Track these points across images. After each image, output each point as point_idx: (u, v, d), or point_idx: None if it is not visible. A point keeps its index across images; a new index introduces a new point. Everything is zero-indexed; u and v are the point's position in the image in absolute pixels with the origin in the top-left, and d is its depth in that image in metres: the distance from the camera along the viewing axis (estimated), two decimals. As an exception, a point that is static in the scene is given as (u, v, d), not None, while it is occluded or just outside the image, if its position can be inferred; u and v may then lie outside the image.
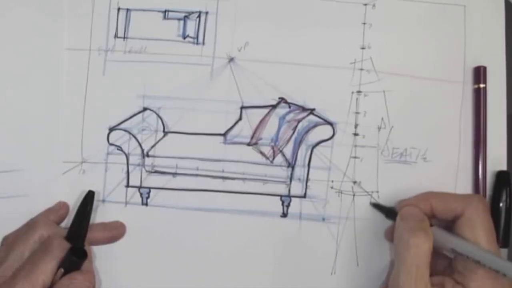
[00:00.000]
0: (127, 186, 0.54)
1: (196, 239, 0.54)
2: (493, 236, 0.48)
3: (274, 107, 0.54)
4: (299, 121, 0.54)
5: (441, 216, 0.50)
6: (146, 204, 0.54)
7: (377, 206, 0.54)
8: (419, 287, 0.46)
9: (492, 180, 0.55)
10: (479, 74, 0.55)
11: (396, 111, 0.55)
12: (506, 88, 0.56)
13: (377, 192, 0.54)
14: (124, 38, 0.54)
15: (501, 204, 0.54)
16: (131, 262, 0.53)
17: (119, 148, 0.54)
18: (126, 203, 0.54)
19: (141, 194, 0.54)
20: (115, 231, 0.53)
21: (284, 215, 0.54)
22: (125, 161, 0.54)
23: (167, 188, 0.54)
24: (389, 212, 0.52)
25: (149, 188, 0.54)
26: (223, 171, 0.54)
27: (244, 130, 0.54)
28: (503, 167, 0.55)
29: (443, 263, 0.51)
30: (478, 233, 0.47)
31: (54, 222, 0.51)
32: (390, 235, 0.52)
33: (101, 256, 0.53)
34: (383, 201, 0.54)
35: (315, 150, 0.54)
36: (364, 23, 0.55)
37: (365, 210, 0.54)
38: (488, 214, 0.48)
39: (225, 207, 0.54)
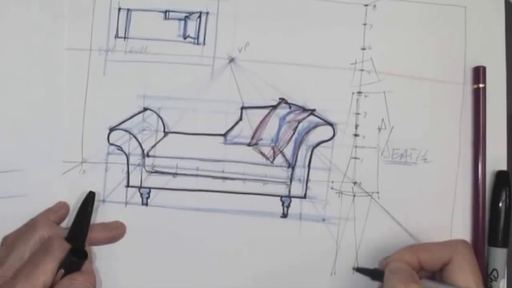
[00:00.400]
0: (127, 186, 0.54)
1: (196, 239, 0.54)
2: (480, 279, 0.49)
3: (274, 107, 0.54)
4: (299, 122, 0.55)
5: (428, 267, 0.50)
6: (146, 204, 0.54)
7: (360, 270, 0.53)
8: None
9: (492, 180, 0.55)
10: (479, 74, 0.55)
11: (397, 111, 0.55)
12: (506, 88, 0.56)
13: (377, 193, 0.54)
14: (124, 38, 0.54)
15: (500, 204, 0.54)
16: (131, 262, 0.53)
17: (119, 148, 0.54)
18: (126, 203, 0.54)
19: (141, 194, 0.54)
20: (115, 231, 0.53)
21: (284, 215, 0.54)
22: (125, 161, 0.54)
23: (167, 188, 0.54)
24: (374, 273, 0.52)
25: (149, 188, 0.54)
26: (223, 172, 0.54)
27: (245, 130, 0.54)
28: (503, 167, 0.55)
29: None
30: (468, 277, 0.48)
31: (54, 223, 0.51)
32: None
33: (101, 256, 0.53)
34: (383, 202, 0.54)
35: (315, 150, 0.54)
36: (365, 24, 0.55)
37: (365, 210, 0.54)
38: (474, 257, 0.49)
39: (225, 207, 0.54)
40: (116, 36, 0.54)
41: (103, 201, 0.54)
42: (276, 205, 0.54)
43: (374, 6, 0.55)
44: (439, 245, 0.51)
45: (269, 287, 0.54)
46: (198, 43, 0.55)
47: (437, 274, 0.50)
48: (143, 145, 0.54)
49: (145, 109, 0.54)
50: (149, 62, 0.54)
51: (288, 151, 0.55)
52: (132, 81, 0.54)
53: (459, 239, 0.52)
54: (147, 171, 0.54)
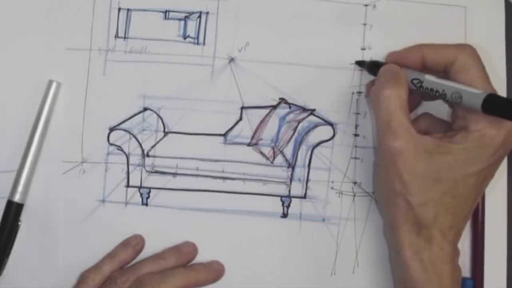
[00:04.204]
0: (127, 186, 0.54)
1: (196, 239, 0.54)
2: (488, 78, 0.48)
3: (274, 107, 0.54)
4: (299, 122, 0.54)
5: (432, 66, 0.49)
6: (146, 204, 0.54)
7: (360, 63, 0.54)
8: (399, 134, 0.46)
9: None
10: (479, 74, 0.55)
11: (397, 111, 0.55)
12: (506, 88, 0.56)
13: (378, 192, 0.54)
14: (124, 38, 0.54)
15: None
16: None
17: (119, 148, 0.54)
18: (126, 203, 0.54)
19: (141, 194, 0.54)
20: (217, 273, 0.53)
21: (284, 215, 0.54)
22: (125, 161, 0.54)
23: (167, 188, 0.54)
24: (371, 66, 0.52)
25: (149, 188, 0.54)
26: (223, 172, 0.54)
27: (245, 130, 0.54)
28: (503, 171, 0.55)
29: (440, 129, 0.51)
30: (473, 74, 0.47)
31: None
32: (369, 90, 0.52)
33: (101, 256, 0.53)
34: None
35: (315, 150, 0.54)
36: (365, 24, 0.55)
37: (365, 210, 0.54)
38: (480, 60, 0.48)
39: (225, 207, 0.54)
40: (116, 36, 0.54)
41: (103, 201, 0.54)
42: (276, 205, 0.54)
43: (374, 6, 0.55)
44: (445, 45, 0.50)
45: (269, 287, 0.54)
46: (198, 43, 0.55)
47: (442, 76, 0.49)
48: (143, 145, 0.54)
49: (145, 109, 0.54)
50: (149, 62, 0.54)
51: (288, 151, 0.55)
52: (132, 81, 0.54)
53: (468, 44, 0.50)
54: (147, 171, 0.54)
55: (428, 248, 0.46)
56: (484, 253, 0.54)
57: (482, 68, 0.48)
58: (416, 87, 0.48)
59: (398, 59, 0.51)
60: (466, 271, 0.54)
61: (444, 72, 0.49)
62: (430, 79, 0.48)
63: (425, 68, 0.50)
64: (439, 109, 0.53)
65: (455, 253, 0.48)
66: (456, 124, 0.48)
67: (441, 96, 0.47)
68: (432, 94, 0.48)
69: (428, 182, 0.46)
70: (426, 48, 0.50)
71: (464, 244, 0.54)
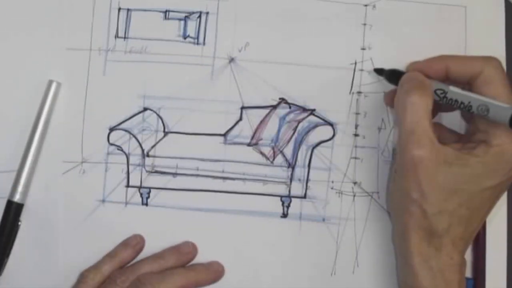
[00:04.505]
0: (127, 186, 0.54)
1: (196, 239, 0.54)
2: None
3: (274, 107, 0.54)
4: (299, 122, 0.54)
5: (456, 78, 0.49)
6: (146, 204, 0.54)
7: (379, 71, 0.53)
8: (422, 143, 0.46)
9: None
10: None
11: (397, 111, 0.55)
12: (506, 89, 0.56)
13: (377, 192, 0.54)
14: (124, 38, 0.54)
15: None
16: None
17: (119, 148, 0.54)
18: (126, 203, 0.54)
19: (141, 194, 0.54)
20: (217, 274, 0.53)
21: (284, 215, 0.54)
22: (125, 161, 0.54)
23: (167, 188, 0.54)
24: (391, 74, 0.51)
25: (149, 188, 0.54)
26: (223, 172, 0.54)
27: (245, 130, 0.54)
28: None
29: (450, 139, 0.51)
30: (498, 88, 0.47)
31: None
32: (389, 99, 0.52)
33: (101, 256, 0.53)
34: (384, 202, 0.54)
35: (315, 150, 0.54)
36: (365, 24, 0.55)
37: (365, 210, 0.54)
38: (505, 73, 0.48)
39: (225, 207, 0.54)
40: (116, 36, 0.54)
41: (103, 201, 0.54)
42: (276, 205, 0.54)
43: (374, 6, 0.55)
44: (471, 56, 0.50)
45: (269, 287, 0.54)
46: (198, 43, 0.55)
47: (465, 87, 0.49)
48: (143, 145, 0.54)
49: (145, 109, 0.54)
50: (149, 62, 0.54)
51: (288, 151, 0.54)
52: (132, 81, 0.54)
53: (492, 56, 0.50)
54: (147, 171, 0.54)
55: (438, 257, 0.46)
56: (485, 254, 0.54)
57: (508, 82, 0.48)
58: (440, 97, 0.48)
59: (421, 69, 0.50)
60: (466, 271, 0.54)
61: (467, 84, 0.49)
62: (455, 91, 0.48)
63: (447, 80, 0.49)
64: (448, 120, 0.53)
65: (463, 263, 0.48)
66: (476, 136, 0.48)
67: (466, 108, 0.47)
68: (456, 106, 0.47)
69: (445, 192, 0.46)
70: (450, 59, 0.50)
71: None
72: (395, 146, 0.54)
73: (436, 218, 0.46)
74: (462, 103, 0.47)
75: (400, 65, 0.54)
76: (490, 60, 0.48)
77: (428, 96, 0.47)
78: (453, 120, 0.54)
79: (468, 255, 0.54)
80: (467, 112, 0.47)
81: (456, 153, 0.47)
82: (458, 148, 0.48)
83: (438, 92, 0.48)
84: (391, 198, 0.52)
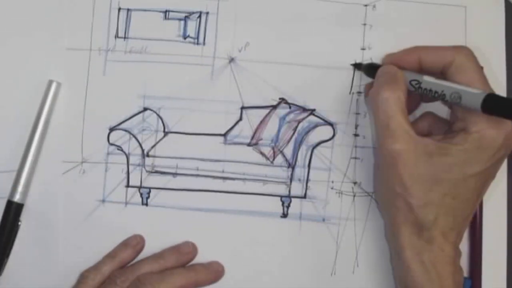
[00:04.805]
0: (127, 186, 0.54)
1: (196, 239, 0.54)
2: (486, 79, 0.48)
3: (274, 107, 0.54)
4: (299, 122, 0.54)
5: (429, 67, 0.49)
6: (146, 204, 0.54)
7: (357, 65, 0.54)
8: (398, 136, 0.46)
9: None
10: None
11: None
12: (506, 88, 0.56)
13: (377, 192, 0.54)
14: (124, 38, 0.54)
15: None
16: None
17: (119, 148, 0.54)
18: (126, 203, 0.54)
19: (141, 194, 0.54)
20: (217, 274, 0.53)
21: (284, 215, 0.54)
22: (125, 161, 0.54)
23: (167, 188, 0.54)
24: (369, 68, 0.52)
25: (149, 188, 0.54)
26: (223, 172, 0.54)
27: (245, 130, 0.54)
28: (503, 172, 0.55)
29: (442, 128, 0.51)
30: (470, 75, 0.47)
31: None
32: (368, 91, 0.52)
33: (101, 256, 0.53)
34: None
35: (315, 150, 0.54)
36: (365, 24, 0.55)
37: (365, 210, 0.54)
38: (477, 61, 0.48)
39: (225, 207, 0.54)
40: (116, 36, 0.54)
41: (103, 201, 0.54)
42: (276, 205, 0.54)
43: (374, 6, 0.55)
44: (442, 47, 0.50)
45: (269, 287, 0.54)
46: (198, 43, 0.55)
47: (440, 77, 0.49)
48: (143, 145, 0.54)
49: (145, 109, 0.54)
50: (149, 62, 0.54)
51: (288, 151, 0.55)
52: (132, 81, 0.54)
53: (464, 46, 0.50)
54: (147, 171, 0.54)
55: (429, 250, 0.46)
56: (482, 253, 0.54)
57: (480, 69, 0.48)
58: (415, 88, 0.48)
59: (395, 61, 0.50)
60: (464, 271, 0.53)
61: (441, 74, 0.49)
62: (428, 80, 0.48)
63: (422, 70, 0.50)
64: (439, 108, 0.53)
65: (457, 254, 0.48)
66: (455, 125, 0.48)
67: (440, 96, 0.47)
68: (431, 95, 0.48)
69: (428, 183, 0.46)
70: (422, 50, 0.50)
71: (462, 243, 0.53)
72: (374, 143, 0.54)
73: (422, 210, 0.46)
74: (436, 92, 0.47)
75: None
76: (461, 49, 0.49)
77: (400, 90, 0.47)
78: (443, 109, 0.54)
79: (465, 255, 0.54)
80: (443, 101, 0.48)
81: (435, 143, 0.47)
82: (438, 139, 0.48)
83: (413, 82, 0.48)
84: (378, 195, 0.52)
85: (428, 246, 0.46)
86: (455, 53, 0.48)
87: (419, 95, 0.51)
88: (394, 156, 0.46)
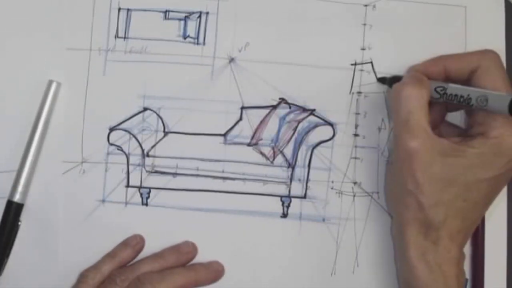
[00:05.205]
0: (127, 186, 0.54)
1: (196, 239, 0.54)
2: (509, 82, 0.48)
3: (274, 107, 0.54)
4: (299, 122, 0.54)
5: (455, 75, 0.49)
6: (146, 204, 0.54)
7: (382, 79, 0.54)
8: (416, 133, 0.46)
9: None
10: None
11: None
12: (506, 89, 0.56)
13: (377, 193, 0.54)
14: (124, 38, 0.54)
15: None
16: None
17: (119, 148, 0.54)
18: (126, 203, 0.54)
19: (141, 194, 0.54)
20: (217, 273, 0.53)
21: (284, 215, 0.54)
22: (125, 161, 0.54)
23: (167, 188, 0.54)
24: (393, 80, 0.51)
25: (149, 188, 0.54)
26: (223, 172, 0.54)
27: (245, 130, 0.54)
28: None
29: (454, 133, 0.51)
30: (496, 79, 0.47)
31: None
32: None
33: (101, 256, 0.53)
34: (384, 202, 0.54)
35: (315, 150, 0.54)
36: (365, 24, 0.55)
37: (365, 210, 0.54)
38: (503, 65, 0.49)
39: (225, 207, 0.54)
40: (116, 36, 0.54)
41: (103, 201, 0.54)
42: (276, 205, 0.54)
43: (374, 6, 0.55)
44: (467, 53, 0.50)
45: (269, 287, 0.54)
46: (198, 43, 0.55)
47: (466, 84, 0.49)
48: (143, 145, 0.54)
49: (145, 109, 0.54)
50: (149, 62, 0.54)
51: (288, 151, 0.55)
52: (132, 81, 0.54)
53: (490, 49, 0.50)
54: (147, 171, 0.54)
55: (435, 250, 0.46)
56: (484, 254, 0.54)
57: (505, 73, 0.48)
58: (440, 94, 0.48)
59: (420, 71, 0.50)
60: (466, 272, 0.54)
61: (467, 81, 0.49)
62: (454, 86, 0.48)
63: (448, 79, 0.50)
64: (452, 117, 0.53)
65: (461, 256, 0.48)
66: (473, 130, 0.48)
67: (466, 101, 0.47)
68: (457, 101, 0.48)
69: (441, 184, 0.46)
70: (448, 59, 0.50)
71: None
72: (391, 138, 0.54)
73: (432, 210, 0.46)
74: (461, 96, 0.47)
75: (399, 65, 0.54)
76: (486, 53, 0.49)
77: (424, 88, 0.47)
78: (454, 119, 0.54)
79: (467, 255, 0.54)
80: (468, 106, 0.48)
81: (452, 145, 0.47)
82: (456, 141, 0.48)
83: (438, 89, 0.48)
84: (388, 191, 0.52)
85: (434, 247, 0.46)
86: (480, 58, 0.48)
87: (445, 106, 0.51)
88: (410, 153, 0.46)
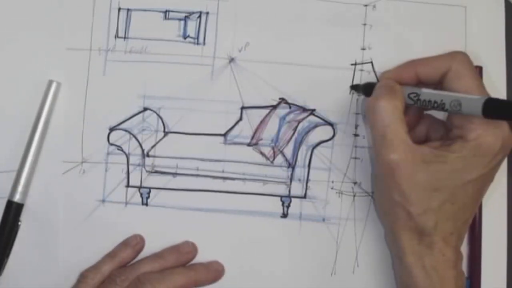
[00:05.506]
0: (127, 186, 0.54)
1: (196, 239, 0.54)
2: (482, 84, 0.48)
3: (274, 107, 0.54)
4: (299, 122, 0.55)
5: (427, 79, 0.49)
6: (146, 204, 0.54)
7: (355, 87, 0.54)
8: (395, 146, 0.46)
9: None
10: (476, 73, 0.55)
11: (397, 111, 0.55)
12: (506, 89, 0.56)
13: (377, 192, 0.54)
14: (124, 38, 0.54)
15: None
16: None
17: (119, 148, 0.54)
18: (126, 203, 0.54)
19: (141, 194, 0.54)
20: (217, 273, 0.53)
21: (284, 215, 0.54)
22: (125, 161, 0.54)
23: (167, 188, 0.54)
24: (367, 88, 0.52)
25: (149, 188, 0.54)
26: (223, 172, 0.54)
27: (245, 130, 0.54)
28: (503, 172, 0.55)
29: (440, 131, 0.51)
30: (468, 82, 0.47)
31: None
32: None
33: (101, 256, 0.53)
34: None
35: (315, 150, 0.54)
36: (365, 24, 0.55)
37: (365, 210, 0.54)
38: (473, 66, 0.49)
39: (225, 207, 0.54)
40: (116, 36, 0.54)
41: (103, 201, 0.54)
42: (276, 205, 0.54)
43: (374, 6, 0.55)
44: (437, 56, 0.50)
45: (269, 287, 0.54)
46: (198, 43, 0.55)
47: (438, 88, 0.49)
48: (143, 145, 0.54)
49: (145, 109, 0.54)
50: (149, 62, 0.54)
51: (288, 151, 0.55)
52: (132, 81, 0.54)
53: (460, 51, 0.51)
54: (147, 171, 0.54)
55: (430, 254, 0.46)
56: (481, 253, 0.54)
57: (476, 74, 0.48)
58: (414, 101, 0.48)
59: (393, 78, 0.50)
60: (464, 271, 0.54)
61: (439, 84, 0.49)
62: (427, 91, 0.48)
63: (420, 83, 0.50)
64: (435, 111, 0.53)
65: (458, 258, 0.48)
66: (452, 132, 0.48)
67: (440, 106, 0.47)
68: (431, 106, 0.48)
69: (427, 191, 0.46)
70: (418, 63, 0.50)
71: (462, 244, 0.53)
72: (371, 152, 0.54)
73: (421, 217, 0.46)
74: (435, 102, 0.47)
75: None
76: (455, 55, 0.49)
77: (397, 99, 0.48)
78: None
79: (465, 254, 0.54)
80: (442, 111, 0.48)
81: (433, 151, 0.47)
82: (435, 146, 0.48)
83: (412, 95, 0.48)
84: (377, 202, 0.53)
85: (429, 251, 0.46)
86: (450, 61, 0.48)
87: (420, 111, 0.51)
88: (392, 166, 0.46)
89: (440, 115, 0.52)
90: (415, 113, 0.51)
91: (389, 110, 0.47)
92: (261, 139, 0.54)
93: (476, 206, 0.49)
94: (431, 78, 0.49)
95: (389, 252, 0.52)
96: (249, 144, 0.54)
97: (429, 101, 0.48)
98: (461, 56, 0.49)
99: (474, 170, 0.46)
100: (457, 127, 0.48)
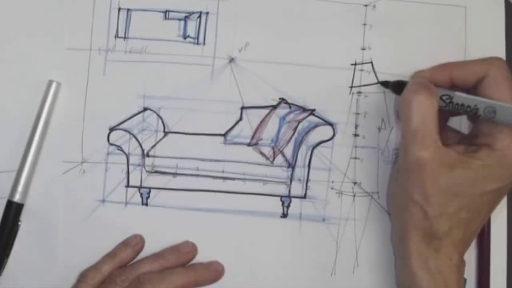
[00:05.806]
0: (127, 186, 0.54)
1: (196, 239, 0.54)
2: None
3: (274, 107, 0.54)
4: (299, 122, 0.55)
5: (462, 83, 0.49)
6: (146, 204, 0.54)
7: (384, 83, 0.52)
8: (427, 144, 0.46)
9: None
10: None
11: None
12: (506, 89, 0.55)
13: (377, 193, 0.54)
14: (124, 38, 0.54)
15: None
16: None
17: (119, 148, 0.54)
18: (126, 203, 0.54)
19: (141, 194, 0.54)
20: (217, 273, 0.53)
21: (284, 215, 0.54)
22: (125, 161, 0.54)
23: (167, 188, 0.54)
24: (397, 85, 0.51)
25: (149, 188, 0.54)
26: (223, 172, 0.54)
27: (245, 130, 0.54)
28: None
29: (453, 138, 0.51)
30: (503, 90, 0.47)
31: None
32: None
33: (101, 256, 0.53)
34: (383, 202, 0.54)
35: (315, 150, 0.54)
36: (365, 24, 0.55)
37: (365, 210, 0.54)
38: (510, 74, 0.48)
39: (225, 207, 0.54)
40: (116, 36, 0.54)
41: (103, 201, 0.54)
42: (276, 205, 0.54)
43: (374, 6, 0.55)
44: (474, 60, 0.50)
45: (269, 287, 0.54)
46: (198, 43, 0.55)
47: (471, 92, 0.49)
48: (143, 145, 0.54)
49: (145, 109, 0.54)
50: (149, 62, 0.54)
51: (288, 151, 0.55)
52: (132, 81, 0.54)
53: (497, 57, 0.50)
54: (147, 171, 0.54)
55: (436, 257, 0.46)
56: (490, 257, 0.54)
57: (511, 82, 0.48)
58: (446, 103, 0.48)
59: (427, 78, 0.50)
60: (471, 276, 0.54)
61: (473, 89, 0.49)
62: (460, 95, 0.48)
63: (453, 87, 0.49)
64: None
65: (462, 264, 0.48)
66: (479, 139, 0.48)
67: (472, 111, 0.47)
68: (463, 110, 0.47)
69: (446, 195, 0.46)
70: (454, 66, 0.50)
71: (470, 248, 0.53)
72: (399, 146, 0.53)
73: (437, 220, 0.46)
74: (468, 106, 0.47)
75: (399, 65, 0.54)
76: (493, 61, 0.48)
77: (434, 97, 0.47)
78: (452, 123, 0.54)
79: (472, 256, 0.54)
80: (474, 116, 0.47)
81: (458, 156, 0.47)
82: (460, 150, 0.48)
83: (444, 97, 0.48)
84: (391, 198, 0.52)
85: (436, 254, 0.46)
86: (488, 67, 0.48)
87: (448, 112, 0.50)
88: (419, 163, 0.46)
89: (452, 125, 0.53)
90: (442, 118, 0.50)
91: (426, 107, 0.46)
92: (261, 139, 0.54)
93: (487, 216, 0.49)
94: (466, 82, 0.49)
95: (391, 252, 0.52)
96: (249, 144, 0.54)
97: (462, 104, 0.47)
98: (499, 62, 0.48)
99: (496, 180, 0.46)
100: (485, 134, 0.47)
